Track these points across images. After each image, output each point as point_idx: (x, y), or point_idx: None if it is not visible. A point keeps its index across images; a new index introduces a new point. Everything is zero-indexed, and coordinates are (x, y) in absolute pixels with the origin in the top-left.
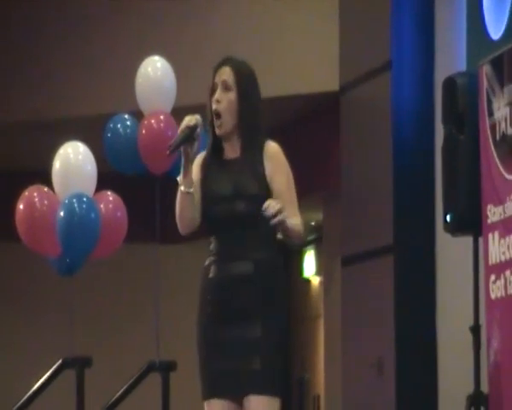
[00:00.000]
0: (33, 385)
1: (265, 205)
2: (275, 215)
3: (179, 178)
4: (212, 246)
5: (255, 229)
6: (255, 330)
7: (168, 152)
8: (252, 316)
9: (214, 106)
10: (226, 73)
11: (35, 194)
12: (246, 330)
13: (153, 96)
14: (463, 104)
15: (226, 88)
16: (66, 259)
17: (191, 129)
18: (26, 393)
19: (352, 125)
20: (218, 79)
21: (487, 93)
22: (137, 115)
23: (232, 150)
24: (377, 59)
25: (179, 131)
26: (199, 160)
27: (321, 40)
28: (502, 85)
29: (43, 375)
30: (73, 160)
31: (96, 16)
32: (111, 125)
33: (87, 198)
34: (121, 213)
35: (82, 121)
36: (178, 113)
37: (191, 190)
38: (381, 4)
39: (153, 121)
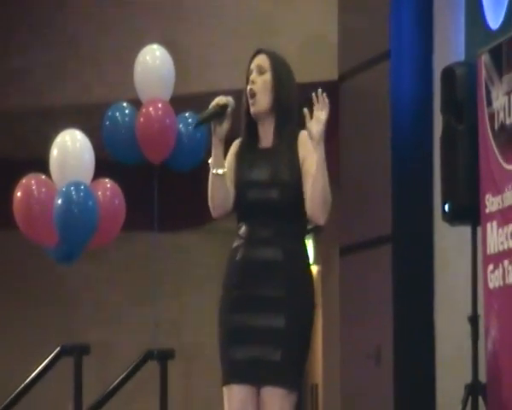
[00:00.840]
0: (32, 372)
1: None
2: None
3: (210, 160)
4: (241, 230)
5: (286, 217)
6: (279, 320)
7: (194, 124)
8: (277, 305)
9: (249, 87)
10: (261, 59)
11: (32, 182)
12: (269, 319)
13: (151, 85)
14: (462, 94)
15: (261, 71)
16: (63, 247)
17: (221, 107)
18: (25, 380)
19: (350, 114)
20: (253, 66)
21: (486, 83)
22: (136, 104)
23: (266, 136)
24: (376, 48)
25: (209, 107)
26: (234, 147)
27: (320, 29)
28: (500, 75)
29: (42, 362)
30: (71, 148)
31: (95, 5)
32: (109, 114)
33: (84, 186)
34: (119, 201)
35: (81, 109)
36: (177, 101)
37: (220, 171)
38: None
39: (151, 109)
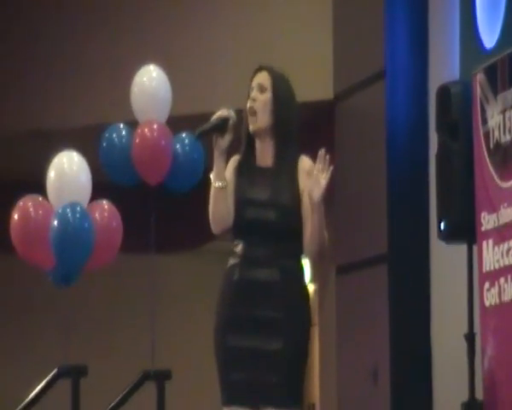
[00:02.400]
0: (29, 395)
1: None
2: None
3: (211, 174)
4: (238, 248)
5: (284, 238)
6: (277, 342)
7: (195, 135)
8: (274, 326)
9: (249, 104)
10: (262, 77)
11: (29, 204)
12: (267, 340)
13: (148, 106)
14: (457, 113)
15: (262, 89)
16: (60, 268)
17: (222, 120)
18: (22, 402)
19: (346, 133)
20: (254, 83)
21: (481, 101)
22: (133, 125)
23: (264, 155)
24: (371, 68)
25: (211, 119)
26: (233, 163)
27: (315, 49)
28: (495, 94)
29: (39, 384)
30: (68, 169)
31: (91, 26)
32: (106, 135)
33: (80, 207)
34: (116, 222)
35: (77, 131)
36: (174, 122)
37: (222, 184)
38: (375, 13)
39: (146, 130)
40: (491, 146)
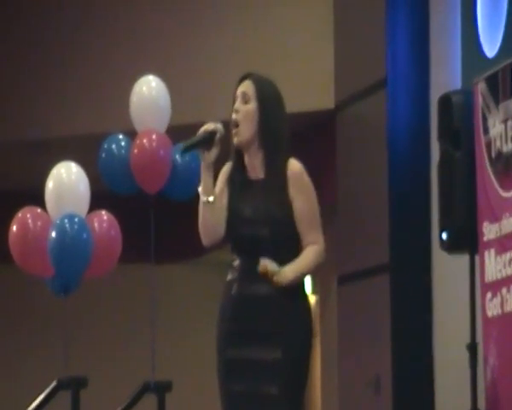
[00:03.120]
0: (28, 406)
1: (261, 265)
2: (271, 277)
3: (199, 188)
4: (235, 263)
5: (280, 253)
6: (276, 352)
7: (181, 149)
8: (273, 338)
9: (233, 116)
10: (246, 86)
11: (28, 215)
12: (266, 352)
13: (147, 116)
14: (459, 121)
15: (245, 99)
16: (59, 279)
17: (209, 134)
18: None
19: (347, 142)
20: (238, 92)
21: (482, 110)
22: (132, 135)
23: (254, 166)
24: (372, 76)
25: (197, 133)
26: (224, 174)
27: (316, 58)
28: (497, 103)
29: (39, 396)
30: (66, 180)
31: (90, 35)
32: (105, 146)
33: (78, 218)
34: (115, 232)
35: (76, 141)
36: (173, 132)
37: (211, 198)
38: (376, 22)
39: (145, 141)
40: (493, 155)
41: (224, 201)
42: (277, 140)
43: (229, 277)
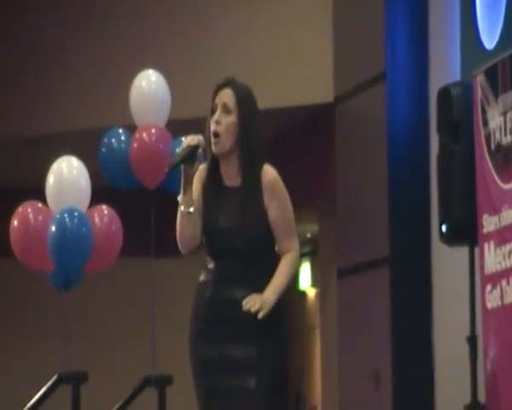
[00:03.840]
0: (29, 401)
1: (245, 303)
2: (256, 313)
3: (179, 198)
4: (210, 265)
5: (255, 261)
6: (251, 350)
7: (167, 169)
8: (248, 335)
9: (213, 127)
10: (227, 96)
11: (29, 210)
12: (241, 348)
13: (147, 110)
14: (458, 114)
15: (226, 110)
16: (60, 274)
17: (192, 148)
18: (22, 409)
19: (346, 136)
20: (218, 100)
21: (482, 103)
22: (132, 129)
23: (230, 174)
24: (371, 70)
25: (180, 149)
26: (198, 179)
27: (315, 52)
28: (496, 95)
29: (39, 390)
30: (67, 175)
31: (90, 30)
32: (105, 140)
33: (78, 213)
34: (116, 226)
35: (76, 136)
36: (172, 126)
37: (191, 209)
38: (376, 15)
39: (144, 135)
40: (493, 148)
41: (200, 208)
42: (255, 150)
43: (203, 278)
